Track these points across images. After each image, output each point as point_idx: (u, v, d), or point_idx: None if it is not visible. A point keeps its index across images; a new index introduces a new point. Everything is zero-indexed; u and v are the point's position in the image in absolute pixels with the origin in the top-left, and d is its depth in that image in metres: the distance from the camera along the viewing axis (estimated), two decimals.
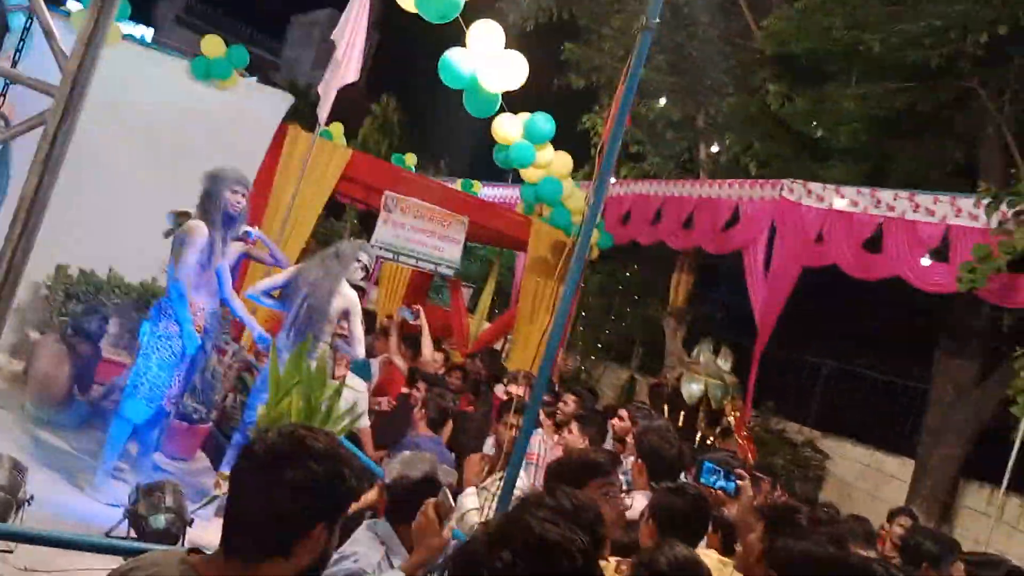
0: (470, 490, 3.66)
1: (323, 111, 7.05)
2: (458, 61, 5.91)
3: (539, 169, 7.79)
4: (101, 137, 7.08)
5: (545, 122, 7.30)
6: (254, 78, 7.92)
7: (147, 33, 22.51)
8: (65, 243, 6.82)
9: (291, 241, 7.60)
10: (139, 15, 7.01)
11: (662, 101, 12.78)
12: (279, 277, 5.34)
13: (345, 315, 5.26)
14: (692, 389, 9.62)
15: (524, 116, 7.24)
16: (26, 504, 3.44)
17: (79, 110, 1.95)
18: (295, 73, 36.37)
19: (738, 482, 3.91)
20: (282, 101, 7.76)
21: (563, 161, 8.13)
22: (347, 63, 6.94)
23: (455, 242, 8.85)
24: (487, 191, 14.27)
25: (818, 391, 12.04)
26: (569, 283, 3.32)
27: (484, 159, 9.69)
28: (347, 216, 17.93)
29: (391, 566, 2.51)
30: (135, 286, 7.07)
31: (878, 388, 11.26)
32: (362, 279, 5.62)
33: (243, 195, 5.24)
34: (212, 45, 7.20)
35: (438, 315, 12.71)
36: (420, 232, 8.61)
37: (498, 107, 6.11)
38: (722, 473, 3.95)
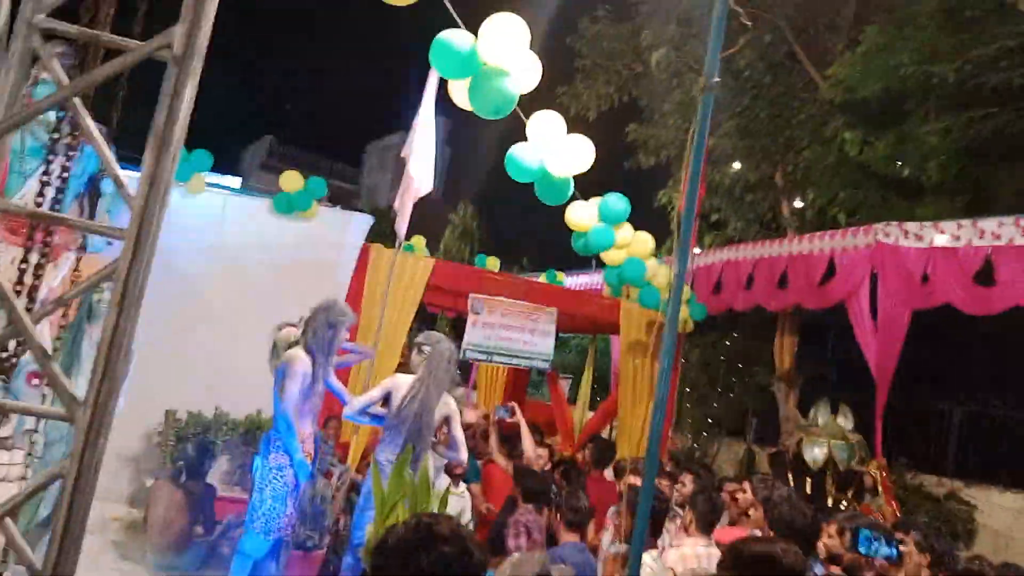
0: None
1: (401, 225, 7.20)
2: (523, 154, 5.98)
3: (620, 250, 7.72)
4: (198, 283, 7.43)
5: (618, 201, 7.28)
6: (337, 207, 8.21)
7: (235, 182, 23.91)
8: (173, 389, 7.09)
9: (384, 357, 7.68)
10: (227, 167, 7.42)
11: (736, 165, 12.65)
12: (375, 393, 5.35)
13: (446, 421, 5.24)
14: (815, 453, 9.11)
15: (596, 200, 7.24)
16: None
17: (150, 250, 1.98)
18: (375, 197, 37.89)
19: (900, 547, 3.60)
20: (362, 223, 8.00)
21: (643, 240, 8.06)
22: (420, 176, 7.12)
23: (546, 335, 8.79)
24: (572, 280, 14.27)
25: (952, 439, 11.26)
26: (664, 359, 3.19)
27: (565, 250, 9.71)
28: (439, 326, 18.18)
29: None
30: (241, 421, 7.23)
31: (1018, 427, 10.44)
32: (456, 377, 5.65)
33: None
34: (290, 180, 7.52)
35: (540, 410, 12.56)
36: (510, 329, 8.60)
37: (571, 193, 6.11)
38: (882, 540, 3.63)
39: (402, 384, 5.30)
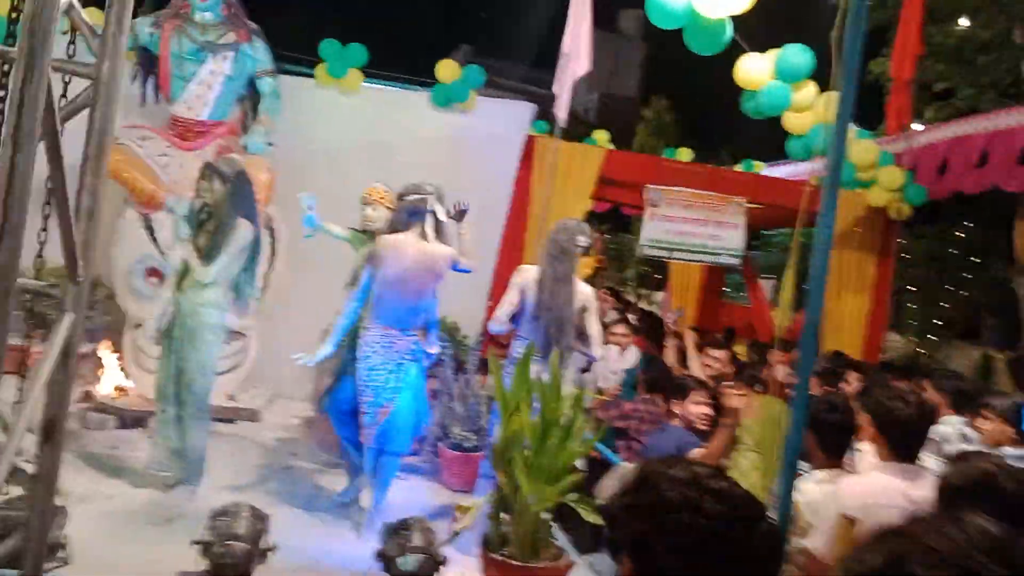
0: None
1: (561, 110, 6.65)
2: None
3: (800, 114, 6.65)
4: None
5: (798, 54, 6.18)
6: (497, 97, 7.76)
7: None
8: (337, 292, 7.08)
9: None
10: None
11: (964, 22, 10.74)
12: (511, 296, 4.92)
13: (582, 312, 4.78)
14: None
15: (774, 54, 6.20)
16: (269, 553, 3.31)
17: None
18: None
19: None
20: (524, 112, 7.50)
21: (834, 100, 6.93)
22: (577, 56, 6.51)
23: (735, 227, 7.95)
24: (775, 172, 13.00)
25: None
26: (820, 233, 2.49)
27: (773, 143, 8.70)
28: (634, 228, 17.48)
29: None
30: None
31: None
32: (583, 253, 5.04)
33: None
34: (447, 70, 7.13)
35: (737, 313, 11.73)
36: (692, 223, 7.86)
37: (729, 38, 5.16)
38: None
39: (530, 276, 4.86)
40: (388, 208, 5.00)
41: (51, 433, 1.64)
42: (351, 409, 4.72)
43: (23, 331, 6.70)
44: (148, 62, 6.45)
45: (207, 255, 4.71)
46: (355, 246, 5.31)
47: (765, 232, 14.94)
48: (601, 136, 11.23)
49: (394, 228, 4.68)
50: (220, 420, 6.16)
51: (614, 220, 16.99)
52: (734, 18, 5.03)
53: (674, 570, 1.21)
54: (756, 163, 11.55)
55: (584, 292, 4.86)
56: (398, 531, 3.65)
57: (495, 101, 7.50)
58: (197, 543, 3.07)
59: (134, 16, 6.42)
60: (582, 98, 40.68)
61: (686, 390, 4.65)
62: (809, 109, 6.67)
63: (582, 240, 4.90)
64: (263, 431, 6.19)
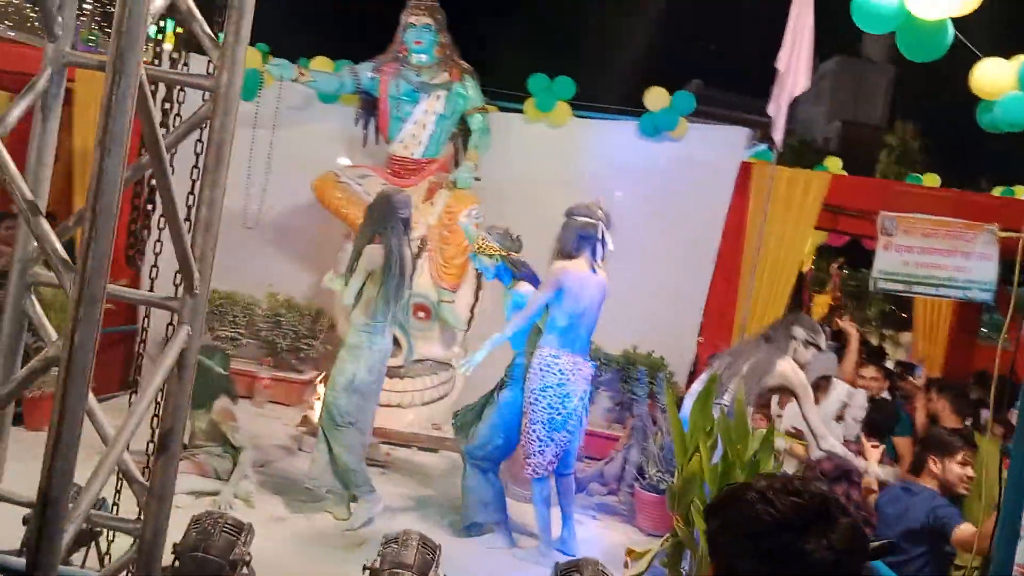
0: None
1: (777, 132, 6.24)
2: None
3: None
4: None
5: None
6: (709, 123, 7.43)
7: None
8: None
9: (768, 293, 6.77)
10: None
11: None
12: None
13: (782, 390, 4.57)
14: None
15: (1018, 59, 5.36)
16: None
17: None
18: (811, 130, 35.25)
19: None
20: (739, 137, 7.11)
21: None
22: (794, 73, 6.08)
23: (986, 258, 7.01)
24: None
25: None
26: None
27: None
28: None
29: None
30: (616, 357, 6.93)
31: None
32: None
33: None
34: (656, 98, 6.93)
35: (1003, 357, 10.33)
36: (935, 253, 7.02)
37: (949, 41, 4.47)
38: None
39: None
40: (489, 257, 4.96)
41: (166, 445, 1.65)
42: (503, 455, 4.85)
43: (256, 358, 7.34)
44: (369, 105, 6.85)
45: (346, 278, 4.93)
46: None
47: None
48: (833, 163, 10.43)
49: (564, 249, 4.61)
50: (424, 449, 6.31)
51: (853, 254, 15.74)
52: (974, 19, 4.41)
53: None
54: (1017, 187, 10.21)
55: (790, 378, 4.50)
56: (569, 571, 3.46)
57: (707, 127, 7.18)
58: (366, 568, 3.07)
59: (357, 61, 6.90)
60: (820, 126, 38.67)
61: (952, 448, 3.98)
62: None
63: (800, 334, 4.65)
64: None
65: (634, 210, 7.03)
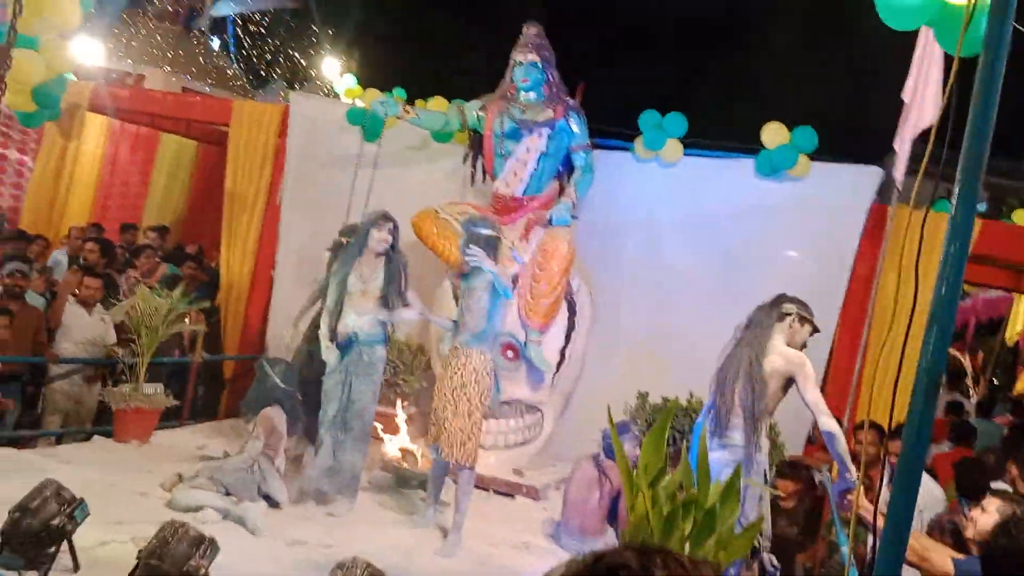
0: None
1: (899, 170, 5.58)
2: None
3: None
4: (677, 259, 6.88)
5: None
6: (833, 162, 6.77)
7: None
8: (653, 370, 6.64)
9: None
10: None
11: None
12: None
13: (788, 383, 4.21)
14: None
15: None
16: None
17: None
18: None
19: None
20: (869, 177, 6.42)
21: None
22: (920, 105, 5.43)
23: None
24: None
25: None
26: None
27: None
28: None
29: None
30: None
31: None
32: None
33: None
34: (773, 134, 6.44)
35: None
36: None
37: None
38: None
39: None
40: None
41: None
42: None
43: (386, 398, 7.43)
44: (477, 143, 6.88)
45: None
46: None
47: None
48: (1021, 215, 9.17)
49: None
50: (500, 494, 6.07)
51: None
52: None
53: None
54: None
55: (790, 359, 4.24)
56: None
57: (833, 167, 6.54)
58: None
59: (468, 98, 6.97)
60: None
61: None
62: None
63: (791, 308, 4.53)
64: (535, 511, 5.86)
65: (747, 253, 6.55)
